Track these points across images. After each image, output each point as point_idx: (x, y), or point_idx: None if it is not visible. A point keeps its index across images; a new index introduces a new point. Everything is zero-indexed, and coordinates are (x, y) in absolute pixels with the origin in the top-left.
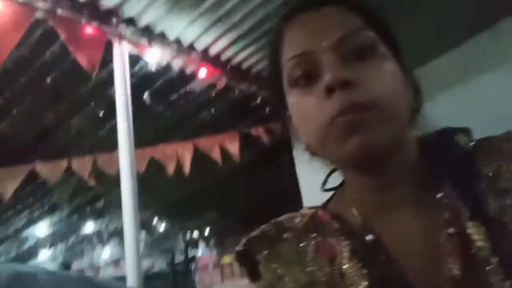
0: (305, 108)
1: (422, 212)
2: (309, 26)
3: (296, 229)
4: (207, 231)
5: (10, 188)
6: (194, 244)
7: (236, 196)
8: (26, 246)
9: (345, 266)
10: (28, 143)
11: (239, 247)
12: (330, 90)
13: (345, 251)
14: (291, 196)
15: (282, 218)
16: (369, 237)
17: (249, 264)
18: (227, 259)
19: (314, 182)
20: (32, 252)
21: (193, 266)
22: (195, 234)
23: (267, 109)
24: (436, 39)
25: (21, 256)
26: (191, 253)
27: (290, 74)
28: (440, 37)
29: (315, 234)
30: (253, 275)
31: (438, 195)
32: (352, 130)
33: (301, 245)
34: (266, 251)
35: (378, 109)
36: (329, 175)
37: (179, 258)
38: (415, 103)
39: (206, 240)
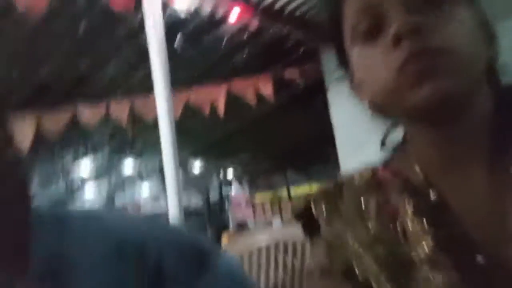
0: (370, 61)
1: (490, 170)
2: None
3: (357, 187)
4: (240, 171)
5: (54, 131)
6: (227, 183)
7: (269, 138)
8: (73, 185)
9: (409, 225)
10: (67, 90)
11: (299, 205)
12: (398, 39)
13: (408, 209)
14: (324, 138)
15: (341, 177)
16: (432, 195)
17: (308, 222)
18: (259, 197)
19: (348, 124)
20: (78, 190)
21: (227, 204)
22: (229, 173)
23: (301, 51)
24: None
25: (69, 193)
26: (224, 191)
27: (353, 27)
28: None
29: (376, 193)
30: (312, 233)
31: (509, 153)
32: (423, 77)
33: (363, 203)
34: (326, 210)
35: (450, 56)
36: (389, 131)
37: (213, 196)
38: (490, 53)
39: (239, 179)
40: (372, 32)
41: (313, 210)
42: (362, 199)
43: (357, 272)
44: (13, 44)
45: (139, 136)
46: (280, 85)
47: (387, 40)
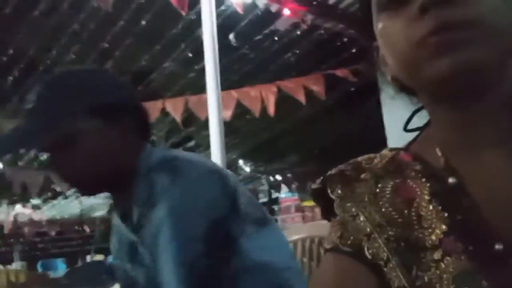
0: (394, 32)
1: None
2: None
3: (375, 169)
4: (289, 175)
5: None
6: (276, 187)
7: (319, 139)
8: None
9: (423, 209)
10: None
11: (315, 185)
12: (424, 9)
13: (425, 193)
14: (376, 141)
15: (361, 158)
16: (451, 180)
17: (324, 202)
18: (309, 202)
19: (400, 126)
20: None
21: (276, 208)
22: (278, 177)
23: (354, 49)
24: None
25: None
26: (273, 195)
27: None
28: None
29: (394, 176)
30: (328, 213)
31: None
32: (444, 50)
33: (379, 185)
34: (341, 190)
35: (477, 29)
36: (414, 113)
37: (262, 200)
38: None
39: (288, 183)
40: (397, 1)
41: (328, 191)
42: (378, 182)
43: (367, 254)
44: (81, 38)
45: (193, 136)
46: (331, 84)
47: (412, 10)
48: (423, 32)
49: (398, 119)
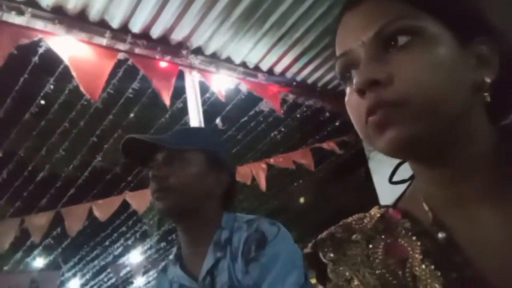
0: (350, 106)
1: (500, 205)
2: (350, 24)
3: (365, 230)
4: None
5: (106, 215)
6: None
7: (315, 213)
8: (123, 273)
9: (417, 268)
10: (118, 175)
11: (306, 250)
12: (360, 92)
13: (416, 252)
14: (371, 207)
15: (351, 218)
16: (440, 235)
17: (317, 266)
18: (313, 280)
19: (391, 189)
20: (128, 279)
21: None
22: None
23: (338, 122)
24: None
25: (121, 283)
26: None
27: (338, 73)
28: None
29: (384, 235)
30: (321, 278)
31: None
32: (382, 127)
33: (370, 246)
34: (333, 254)
35: (409, 106)
36: (397, 166)
37: None
38: (483, 82)
39: None
40: (352, 77)
41: (320, 255)
42: (370, 242)
43: None
44: (70, 135)
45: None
46: (320, 157)
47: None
48: (364, 110)
49: (388, 183)
